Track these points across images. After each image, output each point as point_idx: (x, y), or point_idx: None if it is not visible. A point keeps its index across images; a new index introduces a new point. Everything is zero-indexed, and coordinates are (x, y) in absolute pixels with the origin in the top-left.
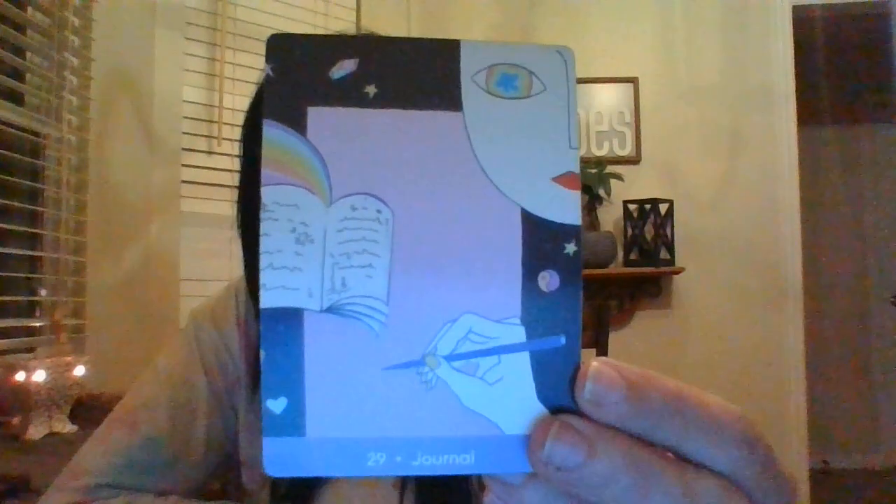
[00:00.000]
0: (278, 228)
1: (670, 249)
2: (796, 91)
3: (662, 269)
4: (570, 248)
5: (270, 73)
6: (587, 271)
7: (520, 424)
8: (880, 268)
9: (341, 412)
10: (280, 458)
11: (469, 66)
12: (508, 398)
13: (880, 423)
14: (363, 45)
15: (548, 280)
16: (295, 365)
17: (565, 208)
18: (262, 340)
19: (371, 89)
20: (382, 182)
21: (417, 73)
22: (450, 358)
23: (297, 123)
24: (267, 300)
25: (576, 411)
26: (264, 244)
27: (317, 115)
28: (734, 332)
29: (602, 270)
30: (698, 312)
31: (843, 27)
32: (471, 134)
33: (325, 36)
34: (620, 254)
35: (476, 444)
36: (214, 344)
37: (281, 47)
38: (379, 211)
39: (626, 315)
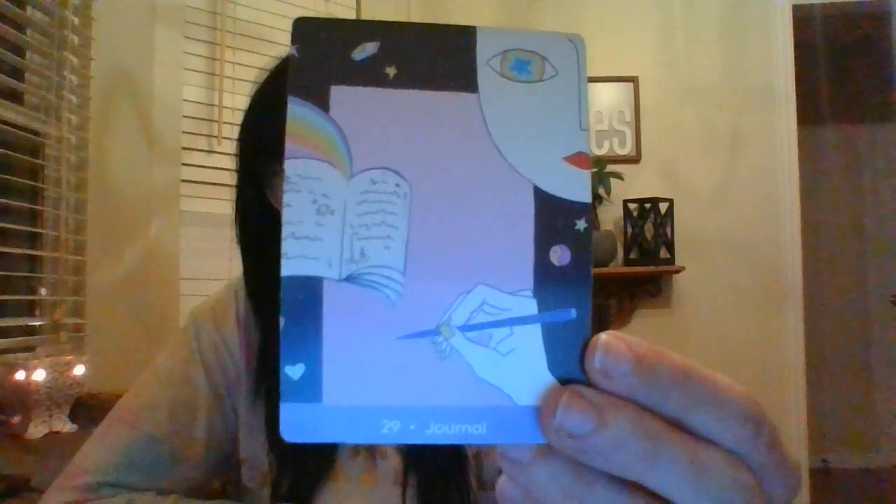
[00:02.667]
0: (300, 200)
1: (670, 249)
2: (796, 91)
3: (662, 268)
4: (581, 224)
5: (295, 53)
6: None
7: (531, 395)
8: (880, 268)
9: (357, 380)
10: (297, 423)
11: (485, 51)
12: (520, 369)
13: (880, 423)
14: (384, 29)
15: (559, 255)
16: (313, 332)
17: (576, 186)
18: (282, 308)
19: (391, 70)
20: (401, 158)
21: (436, 57)
22: (464, 328)
23: (321, 101)
24: (288, 268)
25: (586, 383)
26: (287, 214)
27: (339, 94)
28: (734, 331)
29: (602, 269)
30: (698, 312)
31: (843, 27)
32: (486, 114)
33: (348, 20)
34: (620, 253)
35: (488, 415)
36: (214, 343)
37: (306, 29)
38: (397, 185)
39: (625, 314)
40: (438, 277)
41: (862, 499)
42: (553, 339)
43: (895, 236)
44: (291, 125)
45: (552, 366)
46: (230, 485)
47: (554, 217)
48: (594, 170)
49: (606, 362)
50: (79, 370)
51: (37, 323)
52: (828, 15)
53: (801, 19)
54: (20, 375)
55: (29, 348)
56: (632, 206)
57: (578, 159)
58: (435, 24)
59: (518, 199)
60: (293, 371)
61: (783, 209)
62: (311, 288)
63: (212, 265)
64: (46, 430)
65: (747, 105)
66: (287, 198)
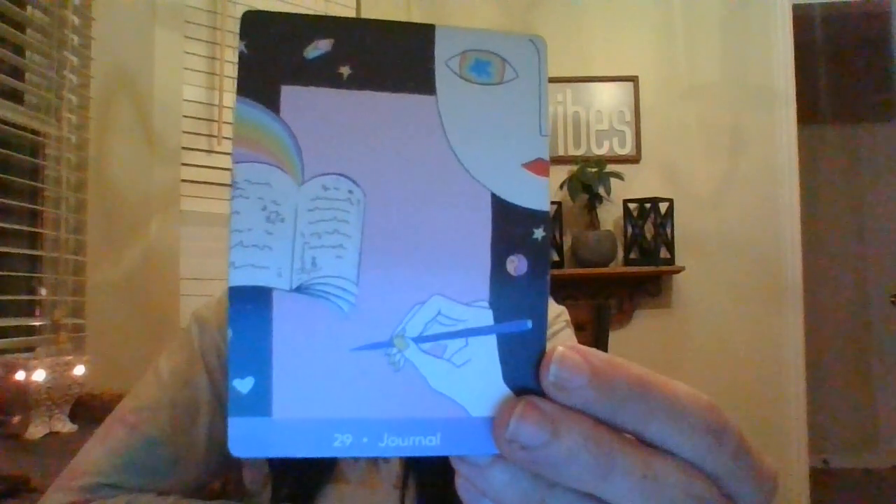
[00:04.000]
0: (249, 206)
1: (670, 248)
2: (796, 91)
3: (662, 268)
4: (539, 233)
5: (244, 50)
6: (587, 271)
7: (486, 407)
8: (880, 268)
9: (308, 392)
10: (246, 438)
11: (443, 51)
12: (475, 380)
13: (880, 423)
14: (339, 25)
15: (516, 264)
16: (263, 344)
17: (535, 194)
18: (230, 319)
19: (345, 70)
20: (355, 163)
21: (392, 56)
22: (418, 339)
23: (271, 102)
24: (236, 278)
25: (541, 394)
26: (234, 222)
27: (290, 94)
28: (734, 331)
29: (602, 270)
30: (698, 312)
31: (843, 27)
32: (443, 118)
33: (301, 15)
34: (620, 253)
35: (442, 426)
36: (216, 344)
37: (256, 24)
38: (350, 191)
39: (626, 314)
40: (392, 288)
41: (862, 499)
42: (508, 350)
43: (895, 236)
44: (240, 127)
45: (507, 377)
46: (230, 485)
47: (511, 225)
48: (594, 169)
49: (561, 375)
50: (79, 370)
51: (37, 323)
52: (828, 15)
53: (801, 19)
54: (20, 375)
55: (29, 348)
56: (632, 206)
57: (537, 166)
58: (392, 22)
59: (475, 207)
60: (242, 384)
61: (783, 209)
62: (260, 298)
63: (212, 265)
64: (46, 430)
65: (747, 105)
66: (235, 204)
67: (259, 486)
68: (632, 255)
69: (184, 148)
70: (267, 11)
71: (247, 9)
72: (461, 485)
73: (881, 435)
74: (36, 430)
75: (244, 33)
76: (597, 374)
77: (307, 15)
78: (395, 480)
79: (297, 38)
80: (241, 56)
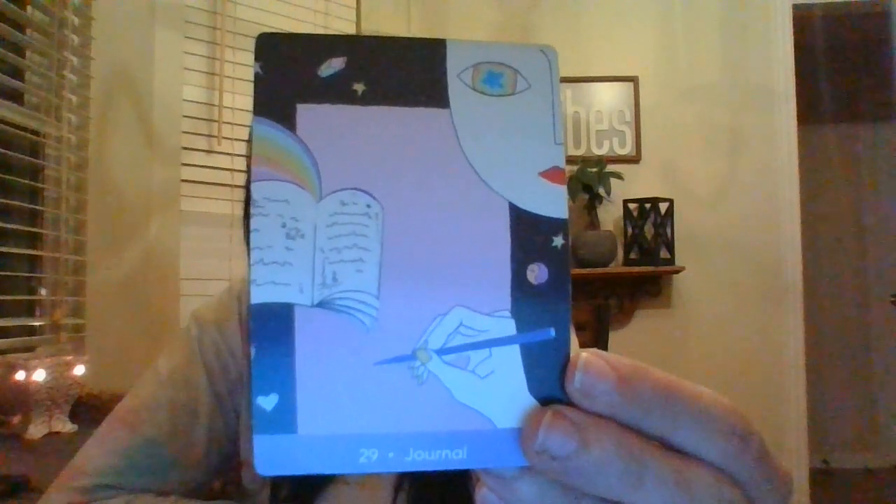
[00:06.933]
0: (268, 224)
1: (670, 249)
2: (796, 91)
3: (662, 268)
4: (558, 241)
5: (260, 71)
6: (587, 271)
7: (511, 418)
8: (880, 268)
9: (333, 408)
10: (272, 456)
11: (455, 65)
12: (500, 391)
13: (880, 423)
14: (351, 43)
15: (536, 273)
16: (286, 361)
17: (552, 202)
18: (252, 336)
19: (359, 87)
20: (372, 177)
21: (405, 71)
22: (441, 352)
23: (287, 120)
24: (257, 296)
25: (566, 403)
26: (254, 239)
27: (306, 113)
28: (734, 331)
29: (602, 270)
30: (698, 312)
31: (843, 27)
32: (458, 130)
33: (314, 35)
34: (620, 253)
35: (469, 439)
36: (216, 344)
37: (270, 46)
38: (368, 206)
39: (626, 314)
40: (414, 300)
41: (862, 499)
42: (532, 360)
43: (895, 236)
44: (257, 146)
45: (532, 387)
46: (231, 485)
47: (530, 234)
48: (594, 169)
49: (587, 381)
50: (79, 370)
51: (37, 323)
52: (828, 15)
53: (801, 19)
54: (20, 375)
55: (29, 348)
56: (632, 206)
57: (554, 174)
58: (403, 38)
59: (493, 217)
60: (266, 402)
61: (783, 209)
62: (282, 315)
63: (212, 265)
64: (46, 430)
65: (747, 105)
66: (254, 222)
67: (258, 485)
68: (632, 256)
69: (184, 148)
70: (281, 33)
71: (248, 10)
72: (485, 496)
73: (881, 435)
74: (36, 430)
75: (259, 55)
76: (622, 379)
77: (320, 35)
78: (395, 481)
79: (311, 57)
80: (257, 77)
